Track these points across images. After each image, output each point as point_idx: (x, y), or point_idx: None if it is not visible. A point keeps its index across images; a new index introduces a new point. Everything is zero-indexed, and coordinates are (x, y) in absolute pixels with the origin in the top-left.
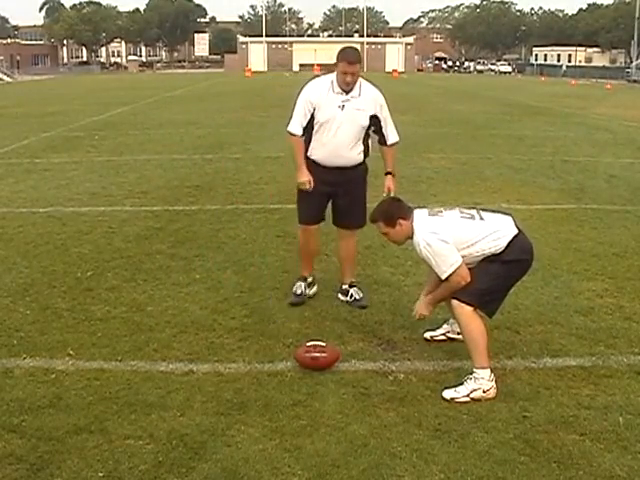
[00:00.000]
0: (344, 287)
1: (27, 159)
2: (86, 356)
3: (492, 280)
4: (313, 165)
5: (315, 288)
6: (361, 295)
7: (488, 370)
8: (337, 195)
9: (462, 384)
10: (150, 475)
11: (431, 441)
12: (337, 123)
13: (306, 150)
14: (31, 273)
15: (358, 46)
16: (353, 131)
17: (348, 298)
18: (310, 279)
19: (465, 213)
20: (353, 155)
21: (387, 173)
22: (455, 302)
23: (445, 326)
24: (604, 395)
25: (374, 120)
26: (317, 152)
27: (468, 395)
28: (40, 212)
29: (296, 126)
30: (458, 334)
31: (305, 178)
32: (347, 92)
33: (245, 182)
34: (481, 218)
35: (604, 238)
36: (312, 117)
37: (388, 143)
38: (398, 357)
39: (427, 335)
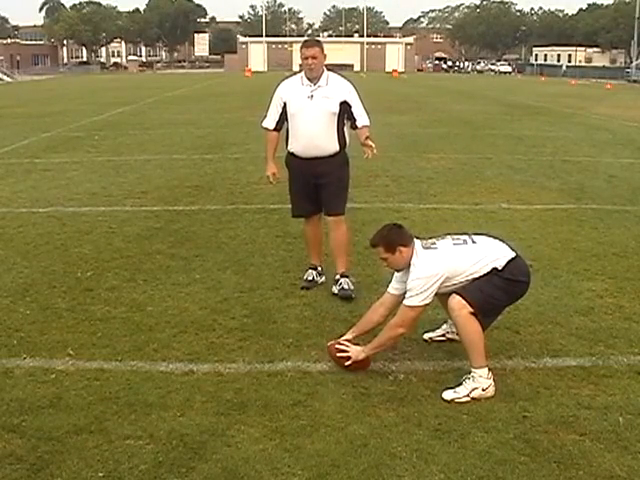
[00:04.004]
0: (336, 277)
1: (27, 159)
2: (86, 356)
3: (495, 289)
4: (294, 158)
5: (324, 278)
6: (350, 286)
7: (486, 369)
8: (321, 185)
9: (461, 384)
10: (150, 475)
11: (431, 441)
12: (307, 113)
13: (287, 144)
14: (31, 273)
15: (358, 46)
16: (324, 119)
17: (337, 287)
18: (320, 268)
19: (457, 239)
20: (328, 144)
21: (365, 139)
22: (456, 300)
23: (444, 326)
24: (604, 395)
25: (344, 106)
26: (294, 144)
27: (468, 395)
28: (40, 212)
29: (268, 121)
30: (457, 334)
31: (269, 172)
32: (315, 83)
33: (245, 182)
34: (473, 242)
35: (604, 238)
36: (285, 112)
37: (358, 125)
38: (398, 357)
39: (426, 336)
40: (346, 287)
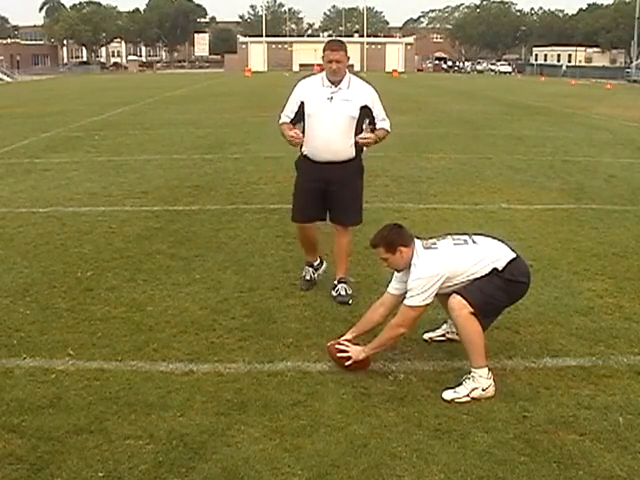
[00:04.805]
0: (334, 282)
1: (27, 159)
2: (86, 356)
3: (495, 290)
4: (306, 161)
5: (324, 266)
6: (348, 292)
7: (486, 369)
8: (331, 192)
9: (461, 384)
10: (150, 475)
11: (431, 441)
12: (325, 115)
13: (301, 146)
14: (31, 273)
15: (358, 46)
16: (342, 123)
17: (334, 293)
18: (317, 262)
19: (458, 239)
20: (343, 148)
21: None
22: (456, 300)
23: (444, 326)
24: (604, 395)
25: (366, 111)
26: (309, 146)
27: (468, 395)
28: (40, 212)
29: (283, 117)
30: (457, 334)
31: (291, 132)
32: (336, 85)
33: (245, 182)
34: (474, 242)
35: (604, 238)
36: (302, 111)
37: (377, 127)
38: (398, 357)
39: (426, 336)
40: (343, 293)
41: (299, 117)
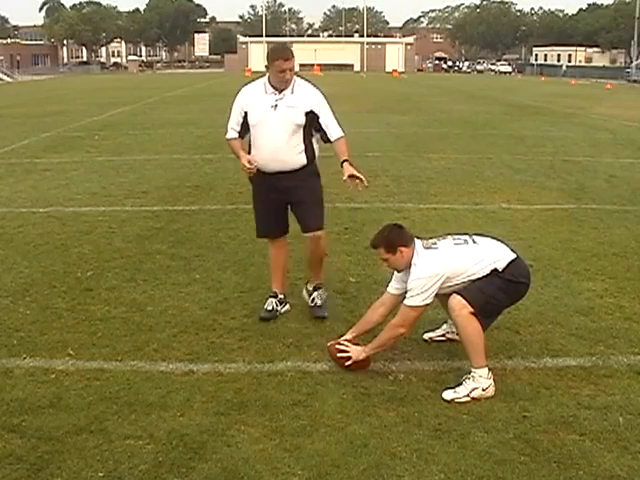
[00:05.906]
0: (309, 288)
1: (27, 159)
2: (86, 356)
3: (496, 290)
4: (258, 173)
5: (287, 307)
6: (323, 299)
7: (486, 369)
8: (290, 202)
9: (461, 384)
10: (150, 475)
11: (431, 441)
12: (270, 124)
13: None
14: (31, 273)
15: (358, 46)
16: (288, 131)
17: (310, 302)
18: (281, 296)
19: (458, 239)
20: (292, 157)
21: (342, 162)
22: (456, 300)
23: (444, 326)
24: (604, 395)
25: (311, 116)
26: (257, 158)
27: (468, 395)
28: (40, 212)
29: (230, 132)
30: (457, 334)
31: (244, 160)
32: (280, 91)
33: (245, 182)
34: (474, 242)
35: (604, 238)
36: (246, 122)
37: (332, 139)
38: (398, 357)
39: (426, 336)
40: (319, 303)
41: (246, 128)
